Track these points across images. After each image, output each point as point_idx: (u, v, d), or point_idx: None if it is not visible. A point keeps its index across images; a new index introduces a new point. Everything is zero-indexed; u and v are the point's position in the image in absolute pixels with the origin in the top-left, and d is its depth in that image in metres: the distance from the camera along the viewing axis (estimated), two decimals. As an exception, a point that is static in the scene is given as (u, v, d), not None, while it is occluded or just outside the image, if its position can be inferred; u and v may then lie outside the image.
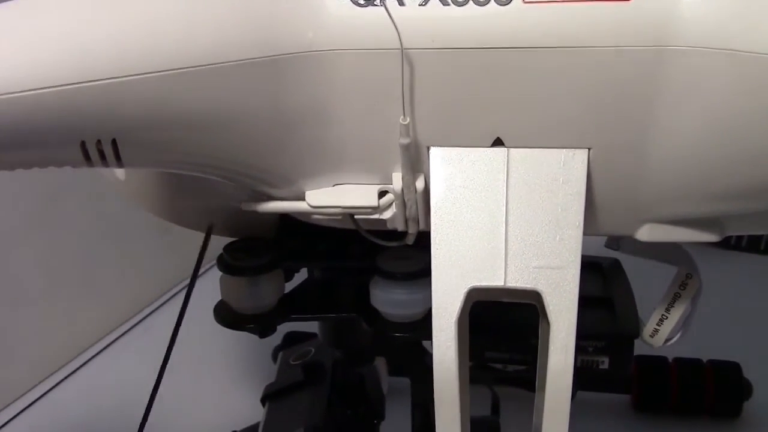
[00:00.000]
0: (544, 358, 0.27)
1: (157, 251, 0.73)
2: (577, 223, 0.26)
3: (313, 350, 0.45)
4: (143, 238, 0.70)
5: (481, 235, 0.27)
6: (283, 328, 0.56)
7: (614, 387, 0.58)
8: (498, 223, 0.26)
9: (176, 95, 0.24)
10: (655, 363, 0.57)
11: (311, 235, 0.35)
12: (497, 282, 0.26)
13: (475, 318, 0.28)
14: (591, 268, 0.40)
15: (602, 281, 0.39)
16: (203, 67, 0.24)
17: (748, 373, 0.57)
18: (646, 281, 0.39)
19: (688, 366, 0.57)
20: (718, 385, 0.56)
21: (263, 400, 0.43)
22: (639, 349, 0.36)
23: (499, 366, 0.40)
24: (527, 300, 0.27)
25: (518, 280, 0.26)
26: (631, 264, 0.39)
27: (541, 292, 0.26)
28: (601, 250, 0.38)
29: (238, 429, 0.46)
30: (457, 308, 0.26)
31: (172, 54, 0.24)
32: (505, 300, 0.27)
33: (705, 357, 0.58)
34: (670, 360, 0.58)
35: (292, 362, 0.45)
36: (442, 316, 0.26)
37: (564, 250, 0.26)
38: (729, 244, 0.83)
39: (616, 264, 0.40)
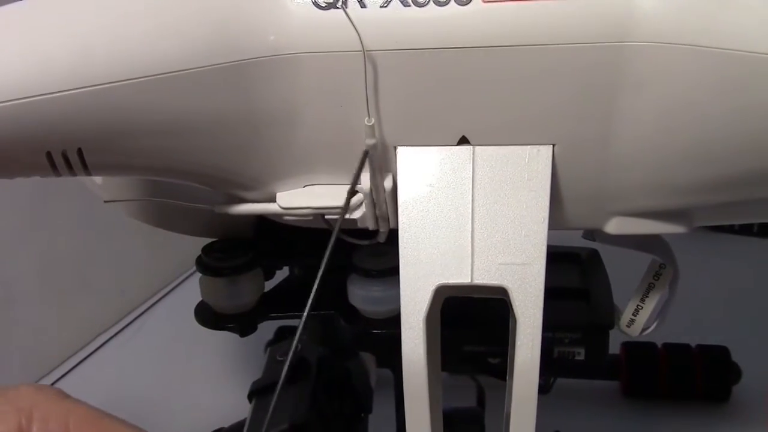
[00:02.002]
0: (513, 351, 0.27)
1: (149, 251, 0.73)
2: (542, 219, 0.27)
3: (299, 346, 0.45)
4: (135, 237, 0.70)
5: (448, 233, 0.27)
6: (276, 323, 0.56)
7: (602, 374, 0.58)
8: (464, 220, 0.27)
9: (141, 104, 0.25)
10: (644, 348, 0.58)
11: (289, 234, 0.35)
12: (464, 279, 0.26)
13: (450, 312, 0.29)
14: (569, 259, 0.40)
15: (580, 272, 0.39)
16: (167, 75, 0.24)
17: (736, 357, 0.57)
18: (629, 270, 0.39)
19: (677, 351, 0.58)
20: (707, 369, 0.57)
21: (250, 396, 0.44)
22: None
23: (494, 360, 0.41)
24: (496, 295, 0.27)
25: (485, 276, 0.26)
26: (615, 253, 0.39)
27: (507, 288, 0.26)
28: (581, 241, 0.38)
29: (225, 425, 0.46)
30: (425, 306, 0.27)
31: (135, 63, 0.24)
32: (475, 296, 0.28)
33: (694, 342, 0.58)
34: (659, 345, 0.58)
35: (278, 358, 0.45)
36: (411, 313, 0.27)
37: (529, 246, 0.26)
38: (721, 226, 0.83)
39: (594, 254, 0.40)
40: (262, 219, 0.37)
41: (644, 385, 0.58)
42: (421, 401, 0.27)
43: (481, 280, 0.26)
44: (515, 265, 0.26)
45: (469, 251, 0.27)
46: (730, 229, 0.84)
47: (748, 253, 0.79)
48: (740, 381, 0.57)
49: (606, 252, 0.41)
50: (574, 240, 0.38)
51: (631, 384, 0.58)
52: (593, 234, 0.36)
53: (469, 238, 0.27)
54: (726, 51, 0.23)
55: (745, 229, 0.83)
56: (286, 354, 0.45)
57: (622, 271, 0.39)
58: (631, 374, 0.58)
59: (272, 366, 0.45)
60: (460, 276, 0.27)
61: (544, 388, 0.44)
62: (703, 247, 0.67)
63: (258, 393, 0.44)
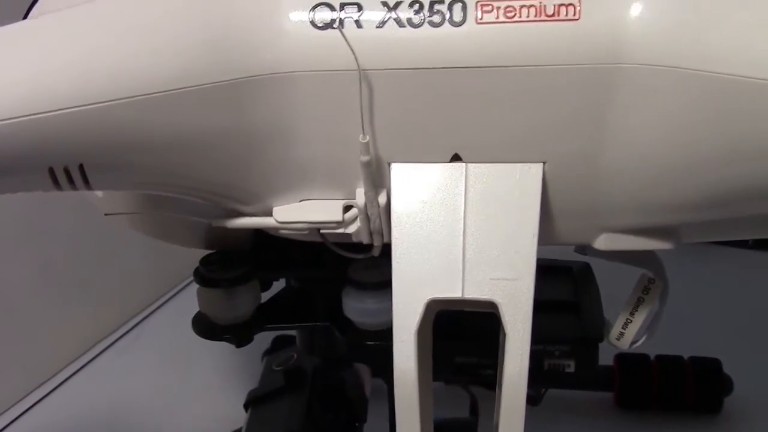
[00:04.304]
0: (502, 363, 0.28)
1: (149, 258, 0.74)
2: (532, 235, 0.27)
3: (295, 355, 0.46)
4: (134, 246, 0.71)
5: (440, 248, 0.27)
6: (273, 332, 0.57)
7: (595, 385, 0.59)
8: (456, 236, 0.27)
9: (141, 121, 0.25)
10: (637, 360, 0.58)
11: (286, 246, 0.36)
12: (455, 294, 0.27)
13: (443, 324, 0.29)
14: (561, 272, 0.41)
15: (571, 285, 0.40)
16: (165, 93, 0.25)
17: (728, 369, 0.58)
18: (623, 283, 0.40)
19: (670, 363, 0.58)
20: (699, 381, 0.57)
21: (246, 406, 0.44)
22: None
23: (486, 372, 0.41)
24: (486, 309, 0.28)
25: (475, 291, 0.27)
26: (608, 266, 0.40)
27: (497, 303, 0.27)
28: (574, 255, 0.39)
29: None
30: (417, 319, 0.27)
31: (135, 81, 0.25)
32: (466, 309, 0.28)
33: (686, 354, 0.59)
34: (652, 357, 0.59)
35: (274, 368, 0.46)
36: (403, 327, 0.27)
37: (519, 262, 0.27)
38: (716, 238, 0.83)
39: (586, 268, 0.41)
40: (259, 231, 0.37)
41: (637, 396, 0.58)
42: (412, 412, 0.27)
43: (471, 294, 0.27)
44: (505, 280, 0.27)
45: (461, 266, 0.27)
46: (725, 241, 0.84)
47: (742, 265, 0.80)
48: (732, 393, 0.57)
49: (598, 265, 0.41)
50: (567, 254, 0.39)
51: (624, 395, 0.59)
52: (584, 248, 0.36)
53: (461, 254, 0.27)
54: (713, 74, 0.24)
55: (740, 241, 0.84)
56: (283, 364, 0.45)
57: (615, 285, 0.40)
58: (625, 386, 0.58)
59: (268, 376, 0.46)
60: (451, 290, 0.27)
61: (534, 400, 0.45)
62: (697, 258, 0.67)
63: (254, 402, 0.44)
